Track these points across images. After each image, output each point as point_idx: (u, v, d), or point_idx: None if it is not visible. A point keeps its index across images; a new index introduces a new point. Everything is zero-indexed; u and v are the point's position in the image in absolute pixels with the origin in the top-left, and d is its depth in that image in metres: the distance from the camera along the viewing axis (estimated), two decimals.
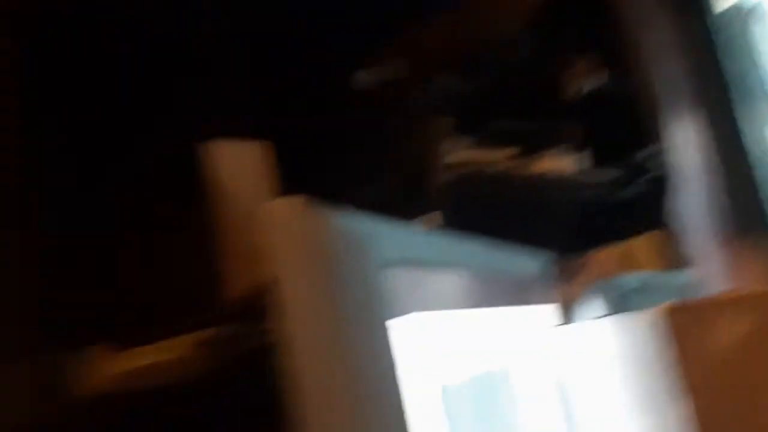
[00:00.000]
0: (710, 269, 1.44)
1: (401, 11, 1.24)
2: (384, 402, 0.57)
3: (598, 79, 1.51)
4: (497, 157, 1.36)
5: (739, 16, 1.53)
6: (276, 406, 0.52)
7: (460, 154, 1.31)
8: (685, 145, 1.51)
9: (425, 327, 0.66)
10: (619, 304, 1.19)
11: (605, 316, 1.05)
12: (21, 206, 0.64)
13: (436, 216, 1.18)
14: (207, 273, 0.93)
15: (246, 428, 0.66)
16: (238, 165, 1.03)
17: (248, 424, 0.67)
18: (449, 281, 0.78)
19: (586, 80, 1.50)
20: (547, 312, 1.04)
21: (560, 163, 1.44)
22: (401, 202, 1.20)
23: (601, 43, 1.51)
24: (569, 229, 1.35)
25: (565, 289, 1.24)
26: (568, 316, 1.07)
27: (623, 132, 1.48)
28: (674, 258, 1.46)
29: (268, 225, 0.53)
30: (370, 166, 1.18)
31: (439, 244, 0.81)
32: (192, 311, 0.88)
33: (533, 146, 1.42)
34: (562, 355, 0.87)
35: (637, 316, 0.85)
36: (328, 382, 0.51)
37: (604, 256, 1.39)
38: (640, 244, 1.44)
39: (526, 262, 1.07)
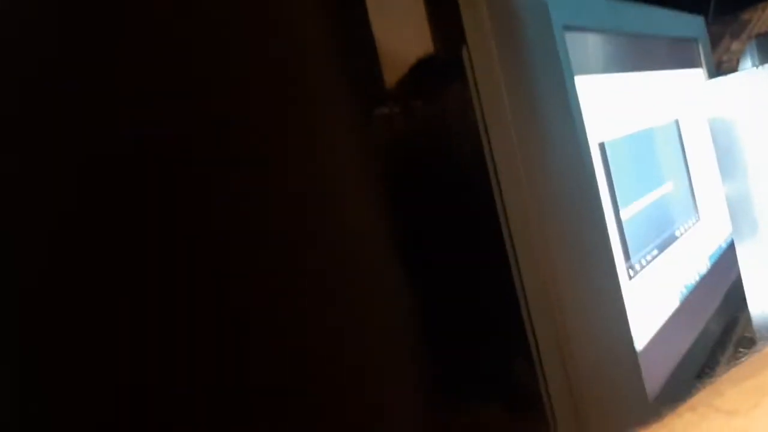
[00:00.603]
0: None
1: None
2: (574, 158, 0.61)
3: None
4: None
5: None
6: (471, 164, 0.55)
7: None
8: None
9: (587, 89, 0.67)
10: None
11: (762, 67, 1.07)
12: None
13: None
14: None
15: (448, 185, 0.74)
16: None
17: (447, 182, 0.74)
18: (610, 44, 0.80)
19: None
20: (706, 71, 1.07)
21: None
22: None
23: None
24: None
25: (724, 47, 1.25)
26: (726, 73, 1.09)
27: None
28: None
29: None
30: None
31: (600, 8, 0.83)
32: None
33: None
34: (720, 106, 0.92)
35: None
36: (520, 138, 0.53)
37: (761, 12, 1.37)
38: None
39: (684, 23, 1.08)
